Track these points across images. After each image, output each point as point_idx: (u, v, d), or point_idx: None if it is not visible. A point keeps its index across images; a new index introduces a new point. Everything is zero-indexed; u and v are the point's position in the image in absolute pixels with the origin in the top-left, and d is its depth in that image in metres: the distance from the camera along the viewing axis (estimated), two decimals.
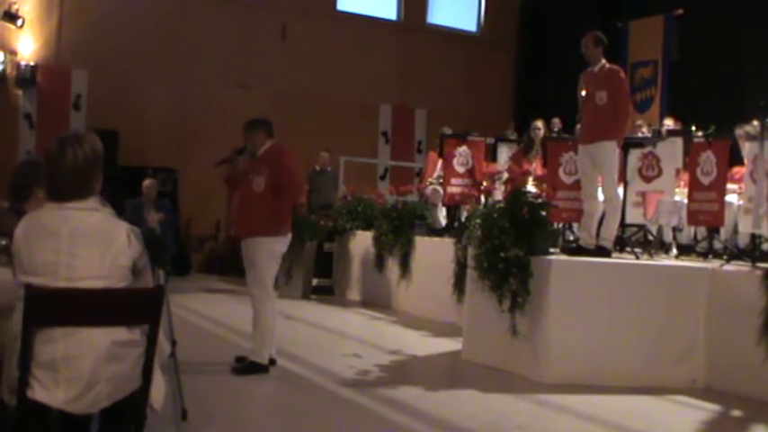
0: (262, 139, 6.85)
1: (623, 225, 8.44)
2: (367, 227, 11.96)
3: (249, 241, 6.67)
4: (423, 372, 7.46)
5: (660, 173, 9.22)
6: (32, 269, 3.12)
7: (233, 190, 7.18)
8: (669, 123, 11.30)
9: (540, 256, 6.84)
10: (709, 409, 6.11)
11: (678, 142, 9.52)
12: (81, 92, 15.01)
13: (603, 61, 7.73)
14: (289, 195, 6.83)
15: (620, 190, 8.35)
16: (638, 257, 7.77)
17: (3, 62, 14.27)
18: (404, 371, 7.27)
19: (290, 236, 6.85)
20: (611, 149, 7.58)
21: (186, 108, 15.59)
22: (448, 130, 12.04)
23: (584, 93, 7.77)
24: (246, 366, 6.56)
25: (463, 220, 9.94)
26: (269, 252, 6.66)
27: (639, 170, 9.29)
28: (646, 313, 6.76)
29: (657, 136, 10.07)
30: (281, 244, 6.72)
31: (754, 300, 6.29)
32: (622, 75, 7.83)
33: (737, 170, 9.10)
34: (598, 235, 7.77)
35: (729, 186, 8.84)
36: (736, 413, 6.11)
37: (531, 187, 9.14)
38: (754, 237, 7.74)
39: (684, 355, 6.76)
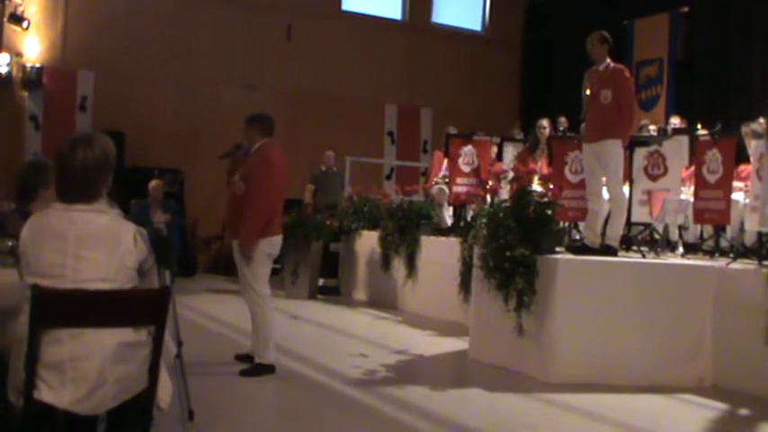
0: (255, 135, 6.80)
1: (629, 224, 8.43)
2: (373, 227, 11.96)
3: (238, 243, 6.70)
4: (429, 371, 7.46)
5: (666, 171, 9.22)
6: (39, 271, 3.13)
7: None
8: (675, 122, 11.29)
9: (546, 256, 6.83)
10: (716, 407, 6.10)
11: (684, 140, 9.52)
12: (87, 93, 15.03)
13: (608, 60, 7.72)
14: (255, 207, 6.60)
15: (626, 188, 8.34)
16: (644, 256, 7.75)
17: (9, 64, 14.29)
18: (410, 371, 7.26)
19: (279, 237, 6.78)
20: (615, 148, 7.57)
21: (192, 109, 15.61)
22: (453, 130, 12.03)
23: (588, 92, 7.76)
24: (253, 368, 6.56)
25: (469, 219, 9.93)
26: (258, 253, 6.61)
27: (645, 169, 9.28)
28: (652, 312, 6.75)
29: (663, 134, 10.06)
30: (269, 244, 6.67)
31: (760, 298, 6.29)
32: (627, 73, 7.82)
33: (744, 168, 9.08)
34: (604, 234, 7.76)
35: (736, 184, 8.83)
36: (744, 412, 6.10)
37: (536, 186, 9.12)
38: (760, 235, 7.73)
39: (691, 353, 6.74)
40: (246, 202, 6.59)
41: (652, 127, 11.24)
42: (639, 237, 8.89)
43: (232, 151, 7.14)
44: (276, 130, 6.92)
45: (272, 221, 6.69)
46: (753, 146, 8.56)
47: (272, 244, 6.73)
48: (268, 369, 6.55)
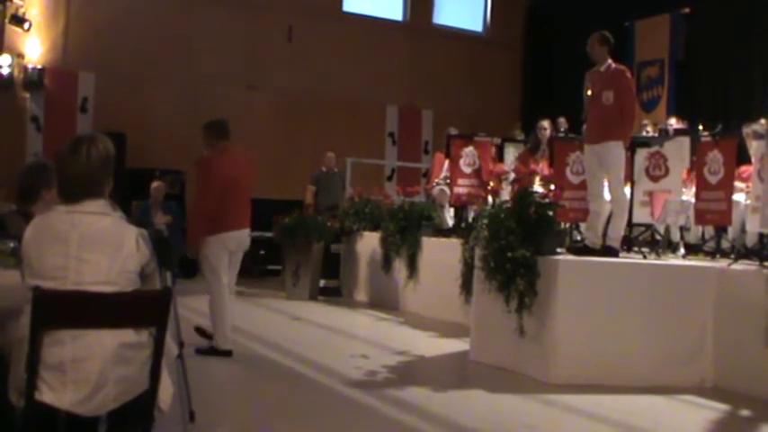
0: (206, 143, 7.24)
1: (631, 225, 8.42)
2: (374, 228, 11.95)
3: None
4: (430, 372, 7.46)
5: (667, 172, 9.21)
6: (41, 273, 3.13)
7: None
8: (672, 122, 11.28)
9: (548, 257, 6.83)
10: (717, 408, 6.09)
11: (685, 141, 9.51)
12: (88, 94, 15.05)
13: (609, 61, 7.71)
14: (194, 209, 7.41)
15: (628, 189, 8.33)
16: (645, 257, 7.75)
17: (10, 65, 14.31)
18: (411, 372, 7.27)
19: (232, 233, 7.07)
20: (617, 149, 7.57)
21: (193, 110, 15.53)
22: (454, 131, 12.04)
23: (589, 92, 7.76)
24: (208, 350, 7.00)
25: (470, 220, 9.93)
26: (208, 249, 7.04)
27: (646, 170, 9.28)
28: (653, 313, 6.75)
29: (665, 135, 10.05)
30: (219, 241, 7.02)
31: (761, 299, 6.28)
32: (628, 75, 7.81)
33: (745, 169, 9.08)
34: (605, 235, 7.76)
35: (737, 185, 8.82)
36: (744, 413, 6.09)
37: (537, 187, 9.13)
38: (761, 236, 7.73)
39: (692, 354, 6.74)
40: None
41: (649, 128, 11.24)
42: (641, 238, 8.88)
43: None
44: (229, 133, 7.21)
45: (220, 220, 6.98)
46: (754, 147, 8.55)
47: (224, 240, 7.03)
48: (222, 353, 6.90)
